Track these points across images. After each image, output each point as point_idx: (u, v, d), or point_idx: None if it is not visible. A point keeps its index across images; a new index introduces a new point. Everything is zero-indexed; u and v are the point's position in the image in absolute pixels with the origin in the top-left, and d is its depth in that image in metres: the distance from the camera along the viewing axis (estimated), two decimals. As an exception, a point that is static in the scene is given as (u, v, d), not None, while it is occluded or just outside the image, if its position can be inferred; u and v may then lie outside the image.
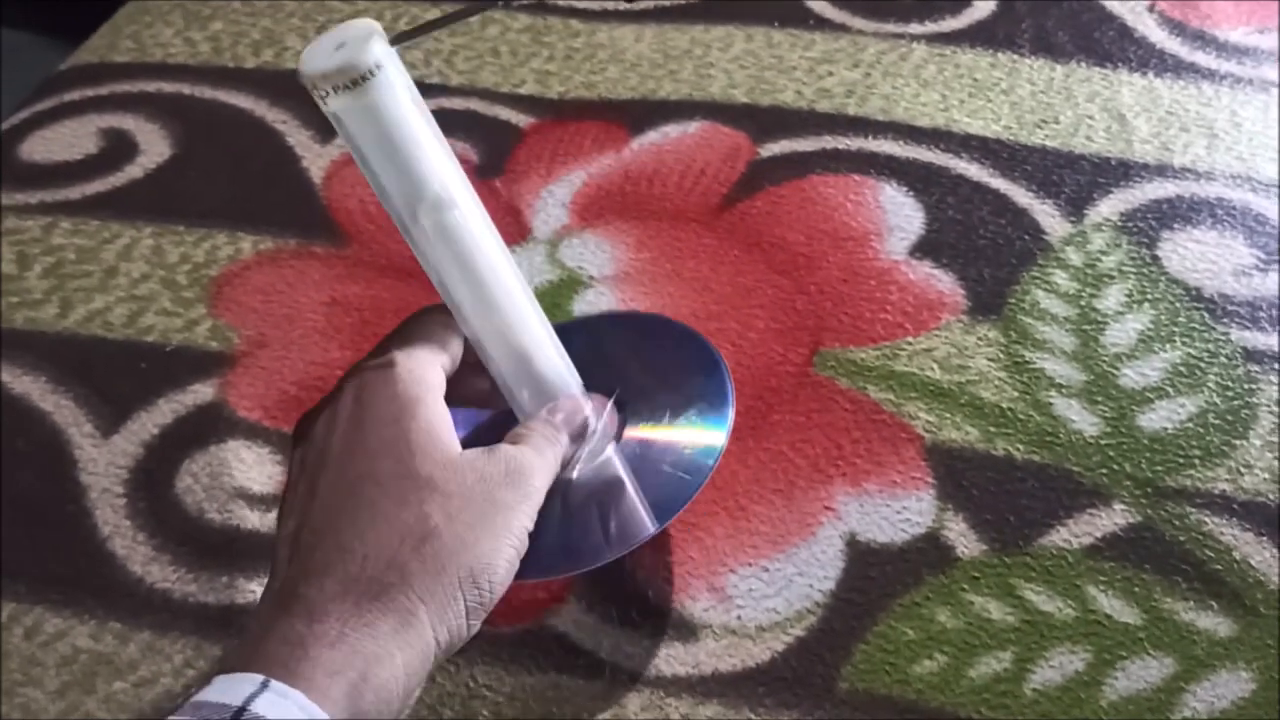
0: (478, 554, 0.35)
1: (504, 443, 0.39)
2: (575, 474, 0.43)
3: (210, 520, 0.48)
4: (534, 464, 0.38)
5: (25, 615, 0.45)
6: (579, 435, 0.42)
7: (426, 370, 0.37)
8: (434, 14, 0.74)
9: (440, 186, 0.36)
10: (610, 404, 0.45)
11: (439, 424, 0.36)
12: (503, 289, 0.39)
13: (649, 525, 0.41)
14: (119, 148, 0.65)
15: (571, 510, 0.42)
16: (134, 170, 0.64)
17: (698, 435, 0.44)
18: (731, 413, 0.44)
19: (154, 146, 0.65)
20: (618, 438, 0.44)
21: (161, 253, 0.59)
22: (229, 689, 0.31)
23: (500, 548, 0.35)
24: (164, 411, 0.52)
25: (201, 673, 0.43)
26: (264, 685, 0.31)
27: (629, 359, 0.47)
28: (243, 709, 0.30)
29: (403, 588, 0.34)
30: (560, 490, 0.41)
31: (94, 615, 0.45)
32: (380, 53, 0.34)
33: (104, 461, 0.50)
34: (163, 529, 0.47)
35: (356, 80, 0.34)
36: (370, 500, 0.35)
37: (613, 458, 0.44)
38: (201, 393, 0.52)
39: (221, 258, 0.59)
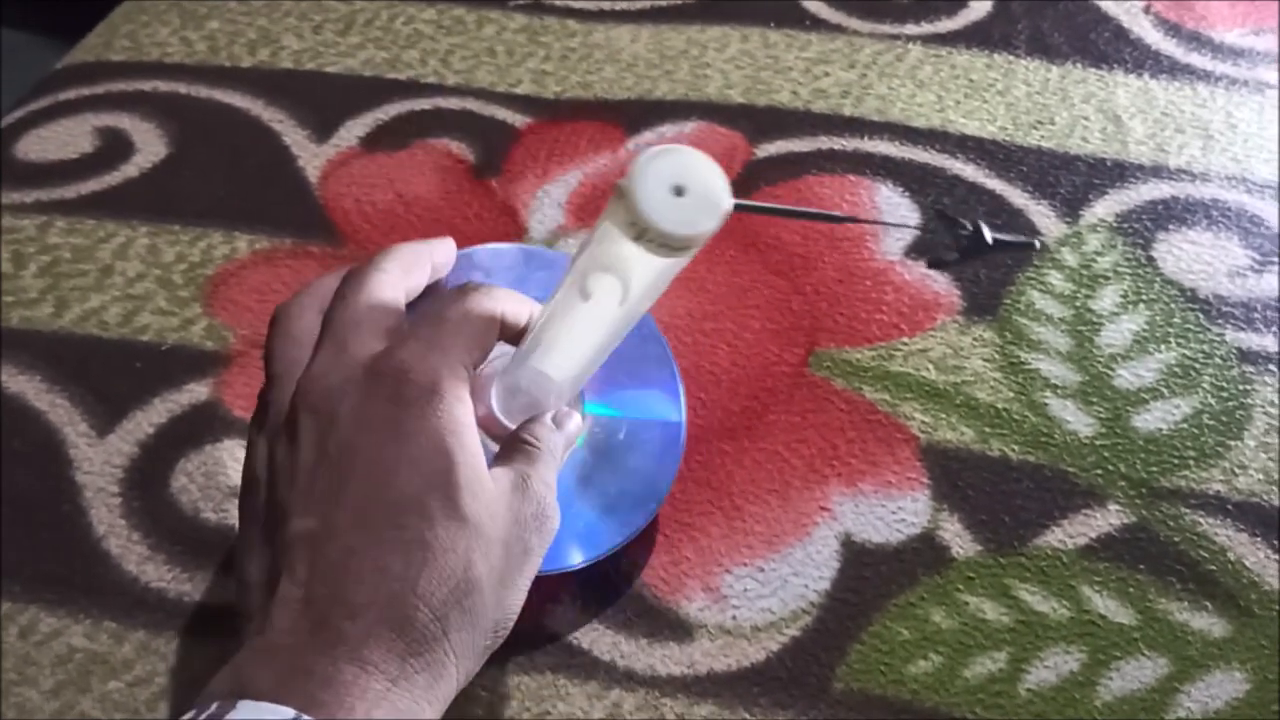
0: (505, 605, 0.34)
1: (519, 463, 0.37)
2: None
3: (205, 520, 0.48)
4: (553, 501, 0.37)
5: (20, 614, 0.45)
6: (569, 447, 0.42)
7: (461, 381, 0.35)
8: (430, 14, 0.74)
9: (627, 268, 0.34)
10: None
11: (477, 449, 0.35)
12: (594, 360, 0.39)
13: (616, 537, 0.42)
14: (114, 147, 0.65)
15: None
16: (129, 169, 0.64)
17: (652, 466, 0.45)
18: (683, 440, 0.45)
19: (150, 146, 0.65)
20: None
21: (157, 252, 0.59)
22: (259, 716, 0.29)
23: (521, 596, 0.35)
24: (159, 411, 0.52)
25: (194, 674, 0.43)
26: None
27: None
28: None
29: (443, 641, 0.33)
30: None
31: (89, 614, 0.45)
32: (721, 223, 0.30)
33: (99, 460, 0.50)
34: (158, 528, 0.47)
35: (684, 246, 0.30)
36: (420, 537, 0.33)
37: (580, 455, 0.44)
38: (197, 392, 0.52)
39: (217, 257, 0.59)
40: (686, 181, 0.29)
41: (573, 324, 0.37)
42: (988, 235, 0.34)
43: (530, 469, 0.37)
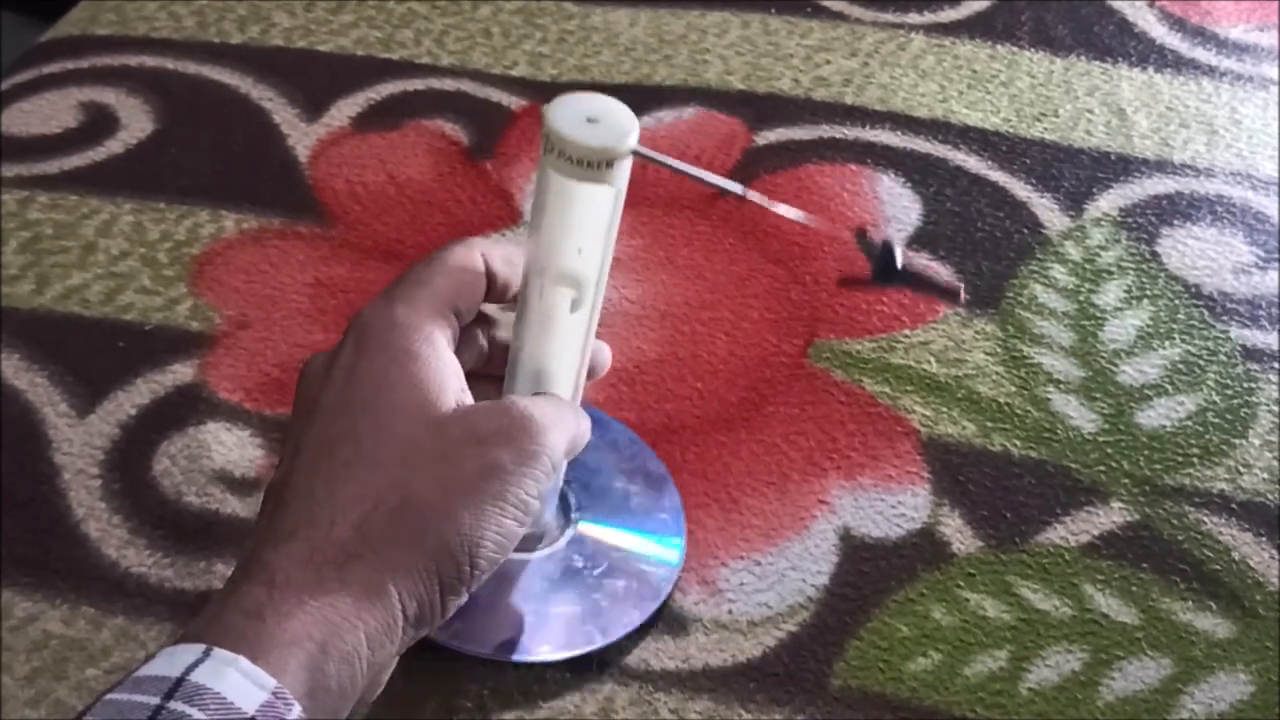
0: (459, 526, 0.32)
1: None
2: (530, 557, 0.43)
3: (188, 503, 0.46)
4: (547, 420, 0.35)
5: (-6, 599, 0.44)
6: (577, 449, 0.39)
7: (427, 320, 0.35)
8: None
9: (577, 269, 0.35)
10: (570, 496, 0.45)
11: (432, 380, 0.34)
12: (564, 375, 0.38)
13: (597, 639, 0.42)
14: (99, 122, 0.64)
15: (519, 595, 0.42)
16: (114, 145, 0.62)
17: (652, 548, 0.45)
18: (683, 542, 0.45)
19: (135, 121, 0.64)
20: (565, 529, 0.44)
21: (141, 229, 0.58)
22: (170, 661, 0.29)
23: (488, 518, 0.33)
24: (142, 392, 0.50)
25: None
26: (206, 654, 0.29)
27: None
28: (181, 679, 0.28)
29: (370, 558, 0.32)
30: (513, 572, 0.42)
31: (66, 599, 0.44)
32: (629, 150, 0.32)
33: (79, 442, 0.48)
34: (139, 512, 0.46)
35: (596, 163, 0.32)
36: (346, 461, 0.33)
37: (570, 553, 0.44)
38: (181, 373, 0.51)
39: (203, 236, 0.57)
40: (599, 114, 0.33)
41: (545, 336, 0.37)
42: (898, 259, 0.34)
43: (518, 398, 0.37)
